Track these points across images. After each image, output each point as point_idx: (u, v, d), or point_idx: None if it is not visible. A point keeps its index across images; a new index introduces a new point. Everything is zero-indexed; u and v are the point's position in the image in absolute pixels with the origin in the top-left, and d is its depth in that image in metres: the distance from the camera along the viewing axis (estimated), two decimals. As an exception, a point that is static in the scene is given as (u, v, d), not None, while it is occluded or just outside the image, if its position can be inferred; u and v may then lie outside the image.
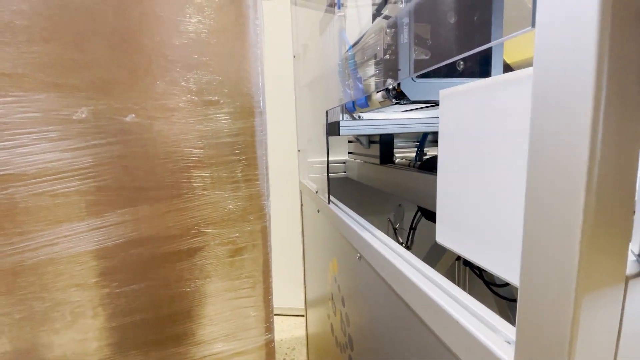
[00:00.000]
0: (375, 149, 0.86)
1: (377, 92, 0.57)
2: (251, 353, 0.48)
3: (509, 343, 0.24)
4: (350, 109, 0.72)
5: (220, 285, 0.45)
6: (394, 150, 0.85)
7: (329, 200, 0.76)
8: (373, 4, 0.61)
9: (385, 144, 0.83)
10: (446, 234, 0.34)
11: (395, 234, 1.05)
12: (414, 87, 0.50)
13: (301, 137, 1.14)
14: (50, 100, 0.37)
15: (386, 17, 0.52)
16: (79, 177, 0.38)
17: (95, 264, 0.40)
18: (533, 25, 0.19)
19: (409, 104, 0.59)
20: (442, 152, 0.34)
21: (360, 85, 0.59)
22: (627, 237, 0.18)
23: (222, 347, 0.47)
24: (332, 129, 0.71)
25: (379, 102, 0.59)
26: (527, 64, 0.20)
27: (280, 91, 1.49)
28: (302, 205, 1.12)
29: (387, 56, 0.49)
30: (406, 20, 0.44)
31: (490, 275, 0.64)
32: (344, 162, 1.12)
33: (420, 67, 0.44)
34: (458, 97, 0.31)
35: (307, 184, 1.02)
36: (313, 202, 0.93)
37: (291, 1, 1.13)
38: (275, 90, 1.49)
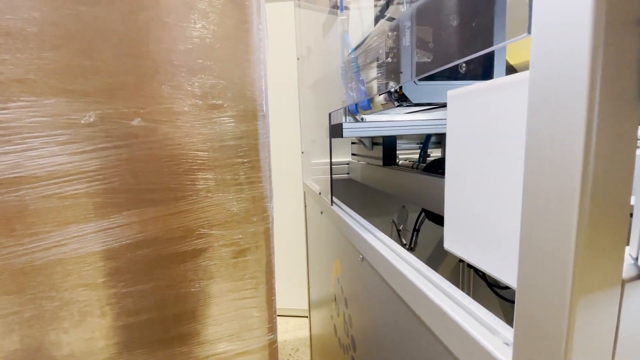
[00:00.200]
0: (378, 151, 0.86)
1: (380, 94, 0.57)
2: (254, 353, 0.49)
3: (508, 345, 0.25)
4: (353, 111, 0.73)
5: (224, 286, 0.46)
6: (397, 152, 0.85)
7: (332, 201, 0.76)
8: (376, 6, 0.61)
9: (388, 145, 0.83)
10: (454, 240, 0.34)
11: (399, 236, 1.05)
12: (416, 90, 0.50)
13: (305, 139, 1.15)
14: (59, 105, 0.38)
15: (390, 19, 0.52)
16: (87, 179, 0.39)
17: (102, 264, 0.41)
18: (529, 31, 0.19)
19: (411, 106, 0.59)
20: (450, 155, 0.33)
21: (363, 88, 0.59)
22: (623, 241, 0.19)
23: (225, 347, 0.47)
24: (335, 131, 0.72)
25: (382, 104, 0.59)
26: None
27: (285, 93, 1.49)
28: (305, 206, 1.13)
29: (389, 59, 0.50)
30: (408, 23, 0.45)
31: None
32: (348, 164, 1.12)
33: (422, 70, 0.44)
34: (467, 97, 0.31)
35: (310, 186, 1.03)
36: (316, 203, 0.93)
37: (295, 3, 1.14)
38: (279, 91, 1.50)
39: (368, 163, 0.95)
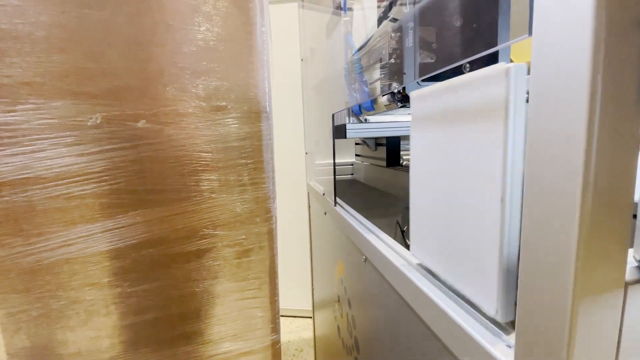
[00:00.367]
0: (382, 152, 0.86)
1: (383, 95, 0.57)
2: (258, 353, 0.49)
3: (510, 347, 0.25)
4: (357, 112, 0.73)
5: (228, 286, 0.46)
6: (401, 153, 0.85)
7: (335, 202, 0.76)
8: (379, 7, 0.61)
9: (392, 146, 0.83)
10: (419, 249, 0.33)
11: (402, 236, 1.04)
12: (419, 91, 0.50)
13: (309, 139, 1.15)
14: (66, 107, 0.38)
15: (393, 20, 0.52)
16: (93, 180, 0.40)
17: (108, 264, 0.42)
18: (530, 33, 0.19)
19: (415, 107, 0.59)
20: (414, 160, 0.32)
21: (366, 89, 0.59)
22: (626, 243, 0.19)
23: (229, 347, 0.48)
24: (339, 131, 0.72)
25: (385, 105, 0.59)
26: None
27: (288, 94, 1.50)
28: (309, 207, 1.13)
29: (393, 60, 0.50)
30: (411, 24, 0.45)
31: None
32: (352, 164, 1.12)
33: (426, 70, 0.44)
34: (428, 98, 0.30)
35: (314, 186, 1.03)
36: (320, 204, 0.93)
37: (298, 4, 1.14)
38: (282, 93, 1.50)
39: (372, 164, 0.94)
